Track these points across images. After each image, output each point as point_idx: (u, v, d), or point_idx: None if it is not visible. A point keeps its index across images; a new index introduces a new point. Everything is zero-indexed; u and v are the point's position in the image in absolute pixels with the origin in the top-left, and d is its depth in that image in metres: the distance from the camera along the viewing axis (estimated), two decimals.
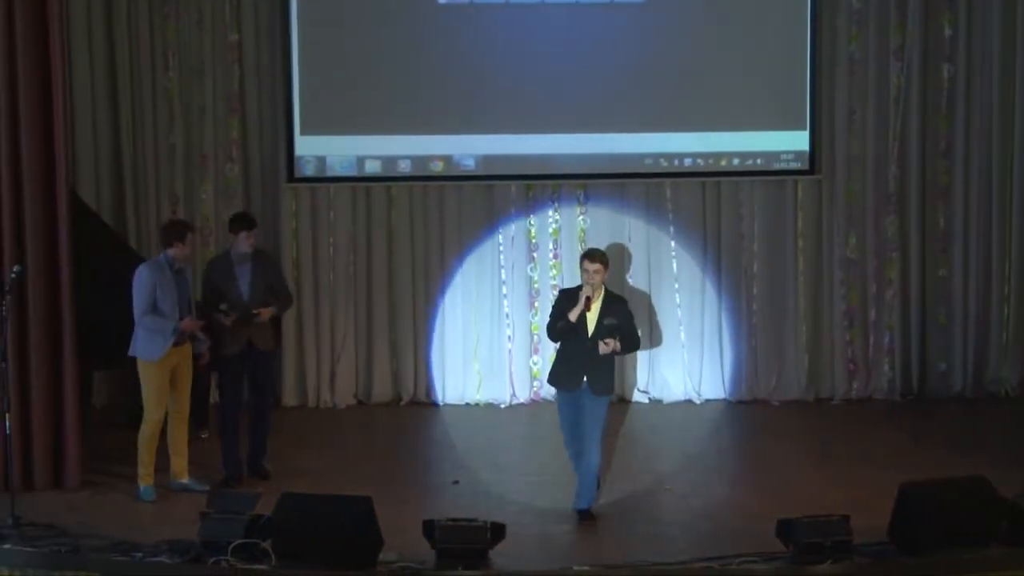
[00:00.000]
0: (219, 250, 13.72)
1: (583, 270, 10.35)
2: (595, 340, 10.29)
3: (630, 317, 10.53)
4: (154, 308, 10.80)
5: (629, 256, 14.01)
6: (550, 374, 10.70)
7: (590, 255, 10.42)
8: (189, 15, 13.68)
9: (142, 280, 10.85)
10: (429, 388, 14.16)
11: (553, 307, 10.56)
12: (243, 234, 11.27)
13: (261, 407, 11.60)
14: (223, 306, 11.16)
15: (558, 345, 10.63)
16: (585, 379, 10.35)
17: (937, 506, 9.36)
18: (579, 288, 10.39)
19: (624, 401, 14.03)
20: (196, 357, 11.31)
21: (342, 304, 14.03)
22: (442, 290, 14.09)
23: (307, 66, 13.65)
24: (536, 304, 14.13)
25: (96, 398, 13.57)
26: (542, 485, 11.44)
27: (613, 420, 13.46)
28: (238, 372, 11.44)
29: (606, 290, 10.39)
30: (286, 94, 13.70)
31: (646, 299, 14.04)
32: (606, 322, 10.32)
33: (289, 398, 14.00)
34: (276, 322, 11.75)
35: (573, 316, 10.28)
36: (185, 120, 13.80)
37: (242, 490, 10.84)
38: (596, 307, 10.33)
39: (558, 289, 10.93)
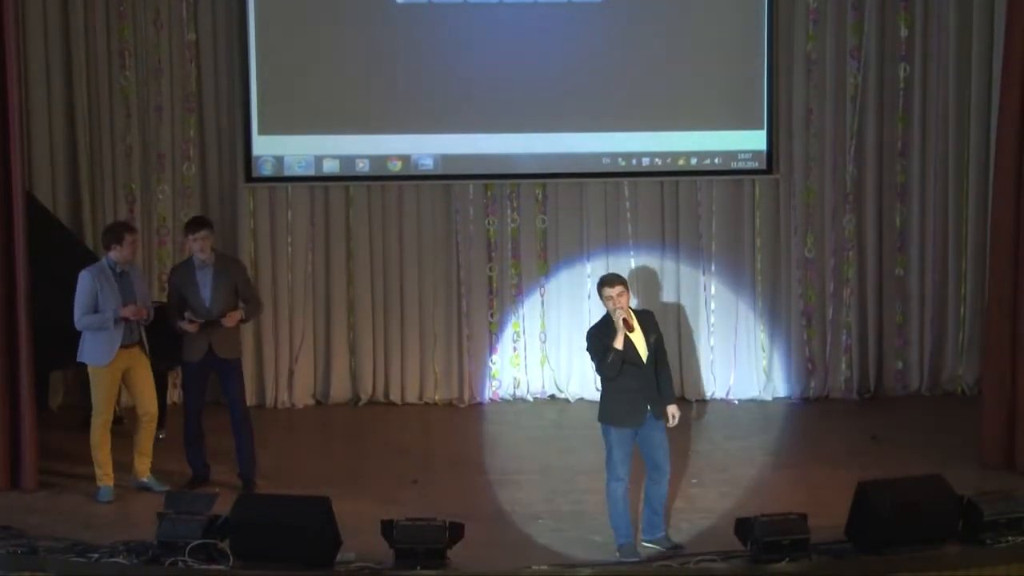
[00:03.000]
0: (176, 249, 13.74)
1: (605, 298, 9.84)
2: (647, 364, 9.86)
3: (659, 330, 10.11)
4: (95, 312, 10.84)
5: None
6: (606, 413, 9.99)
7: (609, 281, 9.88)
8: (146, 14, 13.61)
9: (82, 285, 10.88)
10: (387, 388, 14.14)
11: (591, 348, 9.97)
12: (190, 236, 11.20)
13: (237, 419, 11.42)
14: (187, 314, 11.11)
15: (603, 382, 10.09)
16: (648, 407, 9.88)
17: (894, 504, 9.41)
18: (604, 321, 9.95)
19: (582, 400, 14.05)
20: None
21: (300, 304, 14.00)
22: (400, 290, 14.07)
23: (265, 65, 13.62)
24: (494, 304, 14.14)
25: (53, 399, 13.49)
26: (501, 484, 11.48)
27: (568, 419, 13.57)
28: (199, 379, 11.38)
29: (632, 308, 9.95)
30: (244, 93, 13.66)
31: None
32: (651, 339, 9.91)
33: (247, 398, 13.92)
34: (239, 329, 11.56)
35: (619, 343, 9.74)
36: (142, 119, 13.73)
37: (201, 490, 10.85)
38: (637, 327, 9.87)
39: (586, 332, 10.15)
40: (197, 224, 11.34)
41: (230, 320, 11.18)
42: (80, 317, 10.85)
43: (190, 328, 11.11)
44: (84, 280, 10.88)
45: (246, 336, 13.58)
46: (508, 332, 14.19)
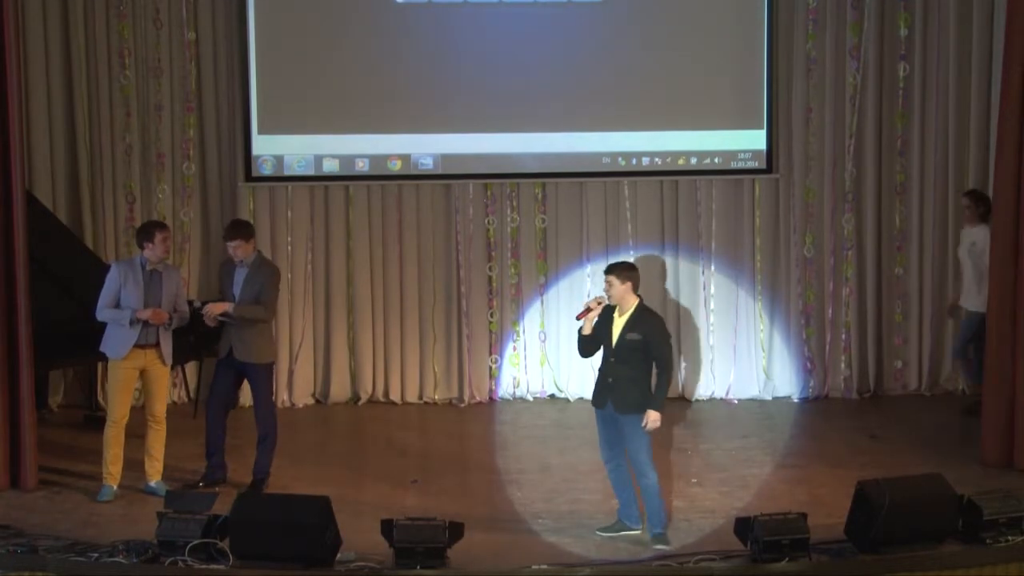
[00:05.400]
0: (176, 248, 13.77)
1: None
2: (616, 355, 10.08)
3: (660, 335, 10.15)
4: (117, 305, 10.79)
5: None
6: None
7: (606, 268, 10.26)
8: (145, 14, 13.61)
9: (108, 277, 10.90)
10: (387, 387, 14.14)
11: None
12: (225, 242, 11.23)
13: (258, 424, 11.41)
14: (197, 304, 11.11)
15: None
16: (608, 397, 10.12)
17: (894, 504, 9.41)
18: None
19: (582, 399, 14.06)
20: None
21: (300, 303, 14.00)
22: (400, 289, 14.07)
23: (264, 65, 13.63)
24: (494, 303, 14.13)
25: (53, 398, 13.49)
26: (501, 484, 11.48)
27: (567, 419, 13.55)
28: (221, 377, 11.38)
29: (639, 304, 10.11)
30: (243, 93, 13.66)
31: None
32: (628, 336, 10.04)
33: (247, 397, 13.91)
34: (262, 334, 11.43)
35: (586, 328, 10.16)
36: (142, 119, 13.72)
37: (202, 490, 10.88)
38: (623, 320, 10.07)
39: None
40: (230, 234, 11.32)
41: (211, 310, 11.12)
42: (100, 309, 10.87)
43: (208, 321, 11.16)
44: (111, 273, 10.92)
45: None
46: (508, 332, 14.19)
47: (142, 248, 10.94)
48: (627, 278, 10.11)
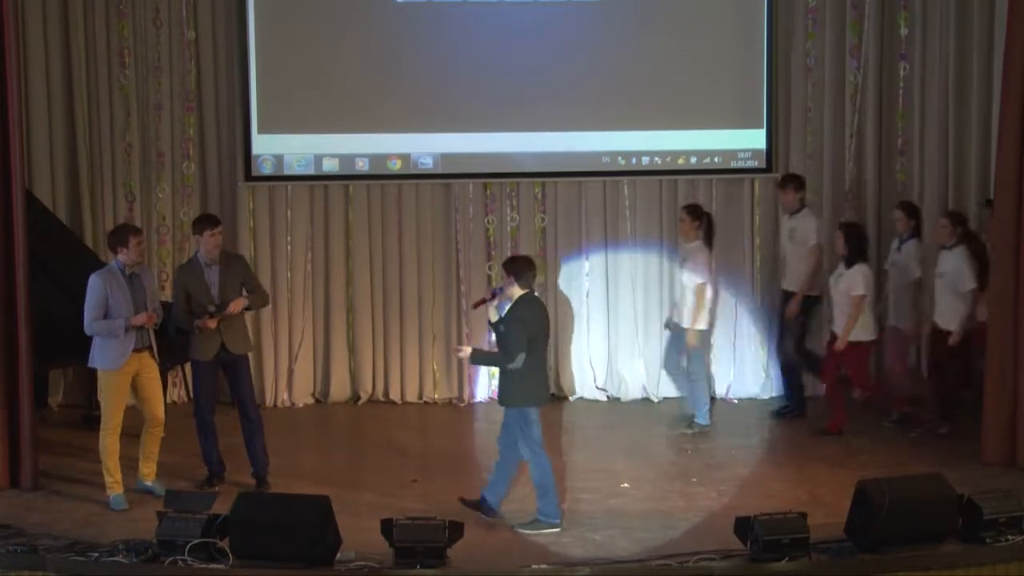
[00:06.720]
0: (176, 248, 13.73)
1: None
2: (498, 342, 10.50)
3: (509, 325, 10.37)
4: (106, 316, 10.72)
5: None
6: None
7: None
8: (145, 12, 13.60)
9: (92, 290, 10.76)
10: (387, 387, 14.13)
11: None
12: (206, 233, 11.13)
13: (249, 418, 11.37)
14: (211, 308, 11.04)
15: None
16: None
17: (894, 503, 9.40)
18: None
19: (582, 399, 14.06)
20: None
21: (300, 303, 13.99)
22: (400, 289, 14.06)
23: (264, 64, 13.62)
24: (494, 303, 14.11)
25: (52, 398, 13.50)
26: None
27: (571, 417, 13.52)
28: (211, 377, 11.33)
29: (519, 297, 10.39)
30: (243, 92, 13.65)
31: (603, 298, 14.08)
32: (498, 327, 10.45)
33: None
34: (246, 326, 11.51)
35: (491, 315, 10.58)
36: (142, 118, 13.72)
37: (205, 490, 10.88)
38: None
39: None
40: (213, 221, 11.32)
41: (234, 308, 11.11)
42: (90, 323, 10.74)
43: (211, 324, 11.09)
44: (94, 284, 10.76)
45: None
46: None
47: (115, 252, 10.87)
48: (510, 272, 10.48)
